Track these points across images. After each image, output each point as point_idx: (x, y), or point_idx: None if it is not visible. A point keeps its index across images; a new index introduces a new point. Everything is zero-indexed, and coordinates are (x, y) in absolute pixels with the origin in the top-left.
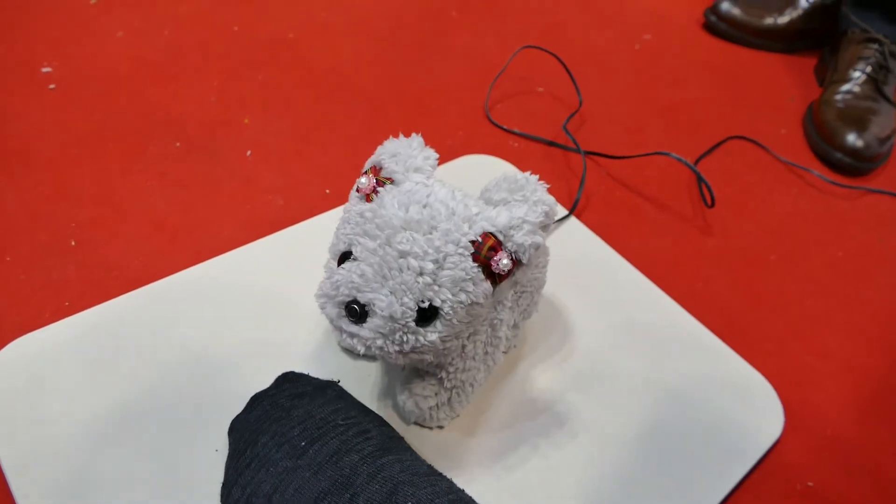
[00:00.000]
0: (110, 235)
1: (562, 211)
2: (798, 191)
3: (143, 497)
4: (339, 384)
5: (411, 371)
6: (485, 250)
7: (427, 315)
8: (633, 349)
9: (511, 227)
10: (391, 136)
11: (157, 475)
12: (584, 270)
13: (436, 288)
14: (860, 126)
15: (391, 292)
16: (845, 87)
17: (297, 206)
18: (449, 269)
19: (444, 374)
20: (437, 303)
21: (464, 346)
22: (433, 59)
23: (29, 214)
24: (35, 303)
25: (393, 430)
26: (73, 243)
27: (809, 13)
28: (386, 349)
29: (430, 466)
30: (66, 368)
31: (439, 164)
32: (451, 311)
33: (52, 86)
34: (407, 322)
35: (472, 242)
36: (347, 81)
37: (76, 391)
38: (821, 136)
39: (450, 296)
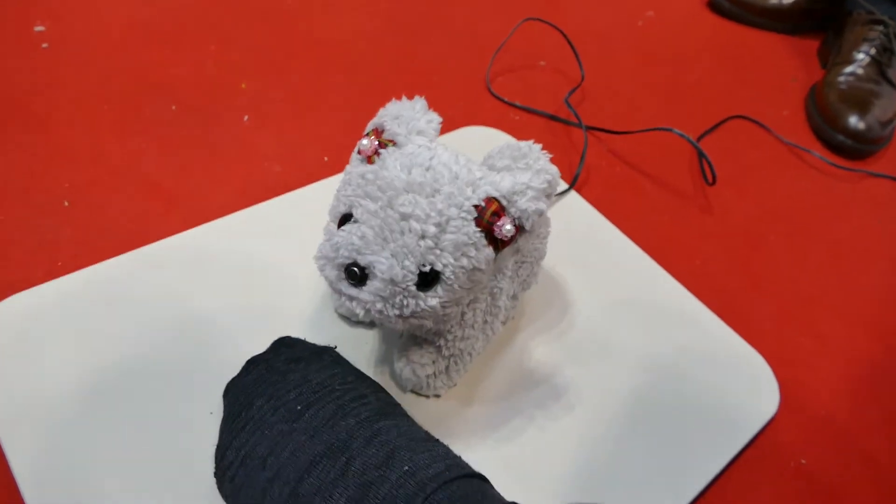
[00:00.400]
0: (104, 197)
1: (562, 185)
2: (799, 172)
3: (134, 457)
4: (336, 350)
5: (409, 338)
6: (488, 215)
7: (428, 280)
8: (631, 324)
9: (515, 193)
10: (394, 99)
11: (149, 436)
12: (584, 245)
13: (437, 252)
14: (862, 108)
15: (392, 255)
16: (849, 68)
17: (294, 172)
18: (451, 232)
19: (442, 342)
20: (439, 267)
21: (463, 314)
22: (433, 31)
23: (22, 174)
24: (27, 262)
25: (390, 396)
26: (66, 204)
27: None
28: (385, 313)
29: (426, 433)
30: (58, 328)
31: (440, 134)
32: (452, 276)
33: (44, 45)
34: (407, 286)
35: (476, 207)
36: (346, 51)
37: (68, 351)
38: (823, 118)
39: (451, 260)
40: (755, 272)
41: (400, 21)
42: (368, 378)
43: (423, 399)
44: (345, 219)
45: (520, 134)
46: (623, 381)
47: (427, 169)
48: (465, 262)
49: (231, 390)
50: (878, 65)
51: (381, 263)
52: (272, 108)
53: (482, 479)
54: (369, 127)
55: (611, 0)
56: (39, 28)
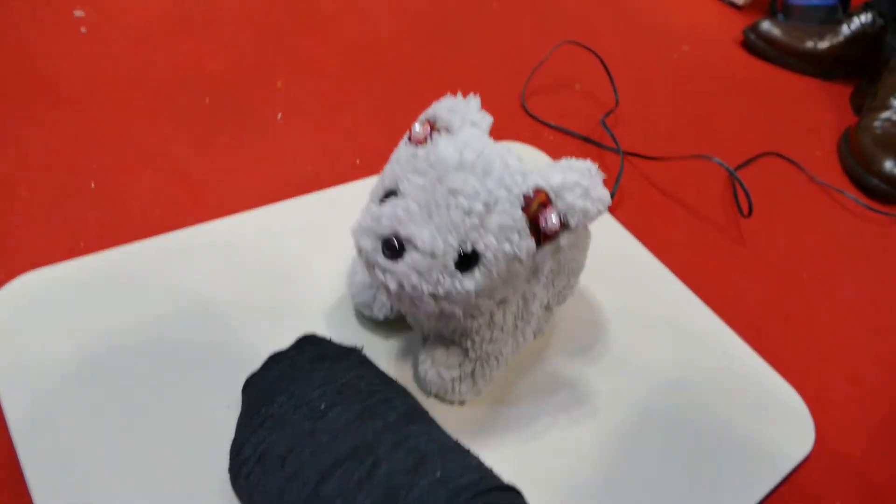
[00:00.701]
0: (131, 181)
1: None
2: (832, 213)
3: (146, 448)
4: (363, 352)
5: (434, 340)
6: (535, 205)
7: (467, 261)
8: (664, 349)
9: (564, 188)
10: (449, 93)
11: (163, 427)
12: (619, 268)
13: (482, 231)
14: None
15: (436, 229)
16: (885, 114)
17: (326, 173)
18: (498, 213)
19: (469, 344)
20: (481, 247)
21: (492, 315)
22: (471, 46)
23: (50, 152)
24: (48, 239)
25: (417, 402)
26: (92, 185)
27: (850, 40)
28: (419, 289)
29: (457, 441)
30: (75, 309)
31: None
32: (492, 260)
33: (83, 29)
34: (447, 262)
35: (524, 196)
36: (384, 59)
37: (84, 333)
38: (857, 161)
39: (494, 242)
40: (789, 309)
41: (440, 32)
42: (395, 382)
43: (445, 407)
44: (388, 195)
45: (554, 153)
46: (654, 407)
47: (479, 153)
48: (507, 247)
49: (251, 385)
50: None
51: (424, 235)
52: (306, 109)
53: (516, 491)
54: (422, 117)
55: (647, 32)
56: (79, 13)
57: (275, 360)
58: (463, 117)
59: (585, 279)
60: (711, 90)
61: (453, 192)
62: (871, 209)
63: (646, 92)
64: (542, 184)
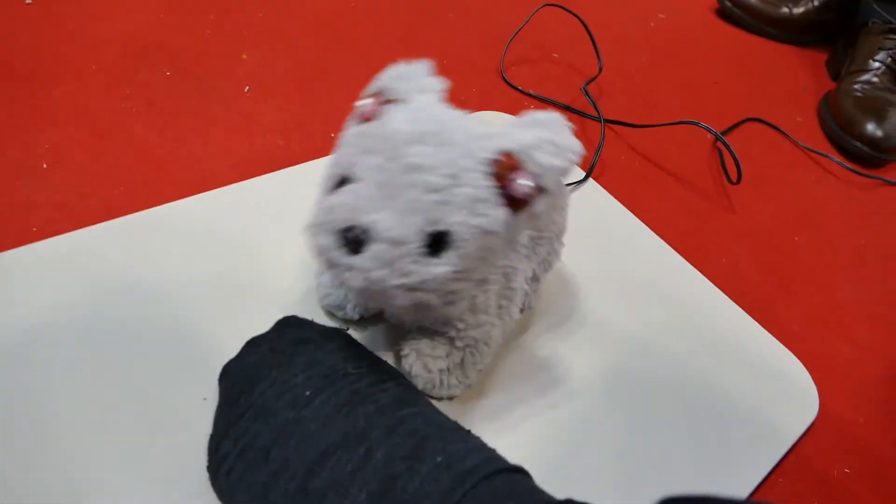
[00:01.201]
0: (89, 161)
1: (579, 173)
2: (817, 177)
3: (119, 450)
4: (349, 332)
5: (417, 332)
6: (504, 170)
7: (437, 244)
8: (660, 321)
9: (532, 147)
10: (391, 63)
11: (135, 425)
12: (608, 238)
13: (448, 207)
14: (879, 116)
15: (396, 213)
16: (864, 76)
17: (298, 147)
18: (464, 185)
19: (454, 332)
20: (449, 225)
21: (474, 298)
22: (446, 15)
23: None
24: None
25: (410, 383)
26: (44, 165)
27: (825, 5)
28: (387, 282)
29: (456, 422)
30: (28, 299)
31: None
32: (464, 237)
33: (28, 0)
34: (413, 247)
35: (490, 161)
36: (355, 30)
37: (41, 327)
38: (838, 124)
39: (464, 217)
40: (783, 274)
41: (410, 4)
42: (385, 363)
43: (433, 401)
44: (341, 184)
45: None
46: (653, 380)
47: (435, 120)
48: (478, 220)
49: (228, 373)
50: (893, 73)
51: (385, 221)
52: (275, 81)
53: (524, 473)
54: (366, 91)
55: (622, 1)
56: None
57: (253, 344)
58: (412, 85)
59: (574, 250)
60: (689, 58)
61: (411, 168)
62: (856, 172)
63: (625, 60)
64: (509, 145)
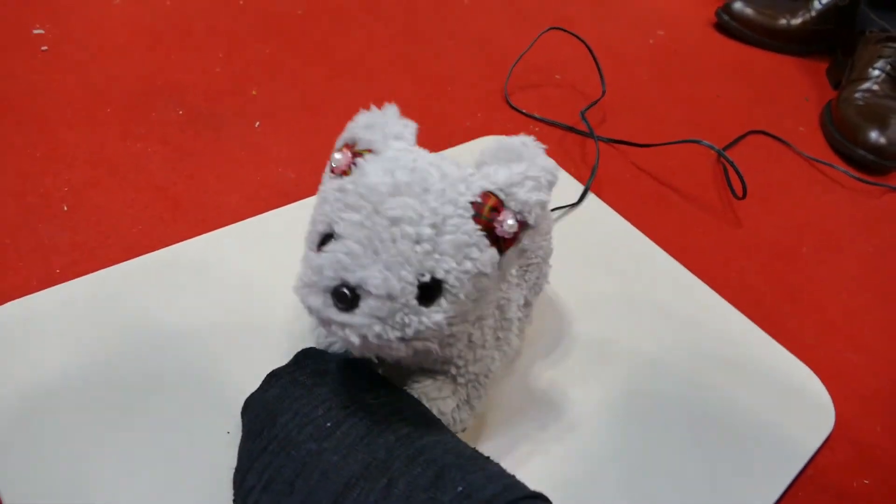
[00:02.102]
0: (106, 201)
1: (573, 194)
2: (823, 187)
3: (145, 485)
4: (368, 361)
5: (417, 373)
6: (486, 211)
7: (429, 292)
8: (671, 337)
9: (512, 185)
10: (361, 109)
11: (160, 461)
12: (617, 255)
13: (437, 256)
14: (882, 123)
15: (386, 267)
16: (864, 85)
17: (308, 179)
18: (450, 233)
19: (454, 370)
20: (441, 274)
21: (470, 335)
22: (447, 43)
23: (18, 175)
24: (21, 269)
25: (428, 410)
26: (65, 208)
27: (823, 15)
28: (385, 336)
29: (474, 450)
30: (56, 340)
31: (457, 144)
32: (456, 284)
33: (44, 47)
34: (407, 300)
35: (472, 204)
36: (359, 60)
37: (67, 366)
38: (842, 134)
39: (453, 264)
40: (793, 285)
41: (412, 34)
42: (403, 391)
43: None
44: (324, 241)
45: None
46: (666, 396)
47: (412, 170)
48: (468, 265)
49: (251, 407)
50: (893, 80)
51: (375, 277)
52: (285, 115)
53: (544, 499)
54: (339, 142)
55: (621, 18)
56: (38, 31)
57: (274, 377)
58: (384, 132)
59: (585, 270)
60: (691, 73)
61: (395, 221)
62: (861, 181)
63: (627, 79)
64: (489, 186)
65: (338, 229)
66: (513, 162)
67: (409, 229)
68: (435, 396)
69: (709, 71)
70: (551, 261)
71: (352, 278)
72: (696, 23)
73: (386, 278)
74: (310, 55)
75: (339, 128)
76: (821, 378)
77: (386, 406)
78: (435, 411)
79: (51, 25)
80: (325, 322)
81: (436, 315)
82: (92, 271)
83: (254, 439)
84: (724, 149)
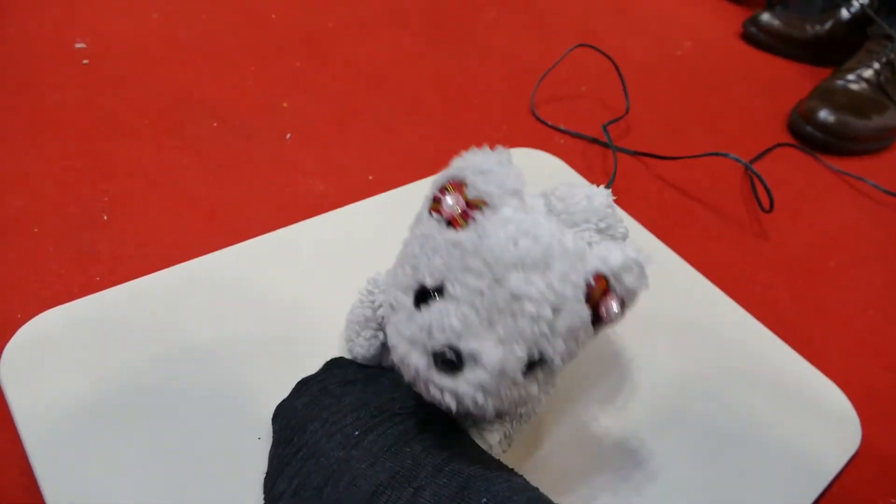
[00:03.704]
0: (143, 211)
1: None
2: (852, 200)
3: (178, 488)
4: (395, 373)
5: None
6: (598, 294)
7: (532, 366)
8: (695, 351)
9: (624, 269)
10: (473, 147)
11: (193, 464)
12: None
13: (552, 338)
14: (839, 106)
15: (500, 341)
16: (847, 76)
17: (338, 191)
18: (566, 316)
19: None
20: (549, 353)
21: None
22: (474, 55)
23: (59, 186)
24: (63, 276)
25: (455, 422)
26: (104, 217)
27: (850, 23)
28: (485, 407)
29: (499, 461)
30: (95, 346)
31: None
32: (559, 363)
33: (85, 61)
34: (517, 376)
35: (587, 286)
36: (388, 73)
37: (104, 370)
38: (798, 112)
39: (563, 346)
40: (820, 301)
41: (439, 46)
42: (430, 403)
43: None
44: (427, 292)
45: (565, 157)
46: (689, 412)
47: (535, 239)
48: (573, 346)
49: (281, 414)
50: (877, 75)
51: (492, 353)
52: (314, 127)
53: None
54: (444, 178)
55: (647, 30)
56: (80, 45)
57: (304, 385)
58: (502, 186)
59: None
60: (718, 85)
61: (517, 297)
62: (890, 194)
63: (654, 91)
64: (603, 268)
65: (451, 289)
66: (601, 221)
67: (531, 308)
68: (485, 427)
69: (736, 82)
70: None
71: (465, 346)
72: (723, 34)
73: (501, 354)
74: (339, 68)
75: (369, 140)
76: (847, 394)
77: (413, 416)
78: (476, 436)
79: (91, 40)
80: (424, 382)
81: (532, 387)
82: (129, 279)
83: (284, 446)
84: (752, 161)
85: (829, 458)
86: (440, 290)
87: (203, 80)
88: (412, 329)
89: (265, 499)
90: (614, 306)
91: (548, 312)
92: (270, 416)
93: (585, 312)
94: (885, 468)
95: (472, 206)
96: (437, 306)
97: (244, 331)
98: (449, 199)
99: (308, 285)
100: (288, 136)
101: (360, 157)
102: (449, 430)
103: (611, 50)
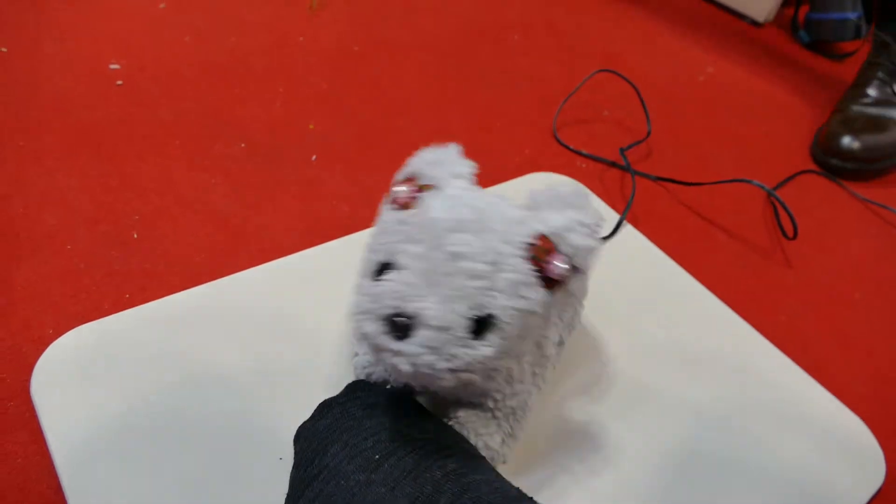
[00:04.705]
0: (173, 230)
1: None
2: (877, 229)
3: (200, 502)
4: (415, 397)
5: (457, 406)
6: (540, 253)
7: (481, 327)
8: (714, 382)
9: (567, 229)
10: (423, 147)
11: (216, 482)
12: (661, 295)
13: (492, 293)
14: (860, 130)
15: (442, 300)
16: (857, 92)
17: (363, 212)
18: (506, 271)
19: (492, 403)
20: (494, 310)
21: (510, 370)
22: (497, 79)
23: (92, 204)
24: (95, 293)
25: (474, 447)
26: (135, 236)
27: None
28: (435, 366)
29: (518, 489)
30: (125, 362)
31: (506, 180)
32: (507, 320)
33: (119, 82)
34: (459, 332)
35: (527, 245)
36: (412, 96)
37: (133, 387)
38: (819, 143)
39: (507, 302)
40: (845, 332)
41: (463, 70)
42: (450, 428)
43: None
44: (383, 269)
45: (587, 181)
46: (707, 444)
47: (473, 208)
48: (521, 303)
49: (303, 435)
50: (886, 85)
51: (431, 309)
52: (340, 150)
53: None
54: (401, 175)
55: (670, 56)
56: (115, 66)
57: (326, 407)
58: (446, 170)
59: (623, 306)
60: (740, 111)
61: (454, 256)
62: None
63: (676, 116)
64: (544, 229)
65: (398, 259)
66: (567, 208)
67: (468, 265)
68: (482, 432)
69: (759, 108)
70: (590, 293)
71: (409, 308)
72: (746, 60)
73: (442, 310)
74: (365, 91)
75: (392, 162)
76: (871, 427)
77: (432, 442)
78: (481, 445)
79: (126, 61)
80: (379, 349)
81: (485, 349)
82: (159, 297)
83: (305, 467)
84: (775, 188)
85: (852, 494)
86: (392, 265)
87: (232, 102)
88: (365, 300)
89: None
90: (559, 263)
91: (485, 268)
92: (292, 436)
93: (524, 268)
94: None
95: (420, 190)
96: (386, 277)
97: (270, 350)
98: (400, 188)
99: (333, 306)
100: (314, 157)
101: (386, 178)
102: (468, 457)
103: (633, 75)
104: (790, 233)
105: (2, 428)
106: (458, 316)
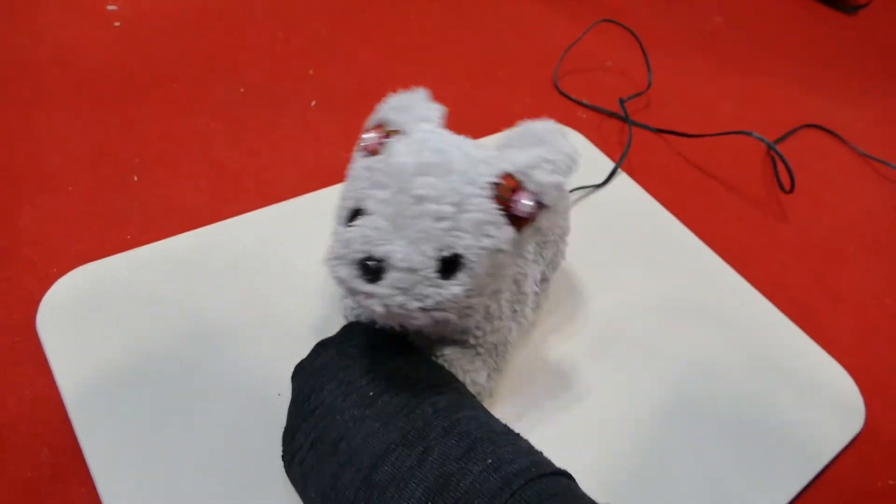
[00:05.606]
0: (173, 174)
1: (604, 171)
2: (876, 185)
3: (202, 437)
4: (409, 338)
5: (441, 344)
6: (505, 191)
7: (449, 266)
8: (691, 325)
9: (530, 167)
10: (391, 92)
11: (216, 416)
12: (656, 246)
13: (457, 233)
14: None
15: (409, 242)
16: None
17: None
18: (470, 211)
19: (473, 340)
20: (460, 249)
21: (487, 307)
22: (499, 27)
23: (93, 148)
24: (96, 234)
25: (464, 386)
26: (135, 179)
27: None
28: (407, 306)
29: (506, 426)
30: (125, 302)
31: (505, 129)
32: (474, 259)
33: (116, 23)
34: (428, 273)
35: (492, 184)
36: (413, 43)
37: (134, 325)
38: None
39: (472, 241)
40: (834, 284)
41: (466, 18)
42: (442, 367)
43: None
44: (354, 216)
45: (587, 132)
46: (695, 390)
47: (437, 151)
48: (486, 241)
49: (300, 373)
50: None
51: (398, 252)
52: (339, 96)
53: (569, 476)
54: (370, 123)
55: (678, 4)
56: (112, 7)
57: (322, 347)
58: (412, 115)
59: (615, 254)
60: (747, 63)
61: (419, 199)
62: None
63: (679, 68)
64: (508, 168)
65: (366, 205)
66: (535, 146)
67: (432, 207)
68: (468, 368)
69: (767, 60)
70: (572, 238)
71: (377, 252)
72: (757, 9)
73: (409, 252)
74: (365, 37)
75: None
76: (856, 379)
77: (425, 380)
78: (468, 381)
79: (123, 2)
80: (352, 292)
81: (454, 288)
82: (159, 239)
83: (302, 402)
84: (776, 142)
85: (831, 438)
86: (362, 211)
87: (232, 47)
88: (336, 246)
89: (284, 450)
90: (524, 201)
91: (449, 209)
92: (290, 374)
93: (490, 206)
94: (887, 451)
95: (387, 135)
96: (355, 223)
97: (268, 291)
98: (368, 135)
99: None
100: (313, 103)
101: None
102: (458, 395)
103: (639, 24)
104: (787, 186)
105: (11, 362)
106: (425, 257)
